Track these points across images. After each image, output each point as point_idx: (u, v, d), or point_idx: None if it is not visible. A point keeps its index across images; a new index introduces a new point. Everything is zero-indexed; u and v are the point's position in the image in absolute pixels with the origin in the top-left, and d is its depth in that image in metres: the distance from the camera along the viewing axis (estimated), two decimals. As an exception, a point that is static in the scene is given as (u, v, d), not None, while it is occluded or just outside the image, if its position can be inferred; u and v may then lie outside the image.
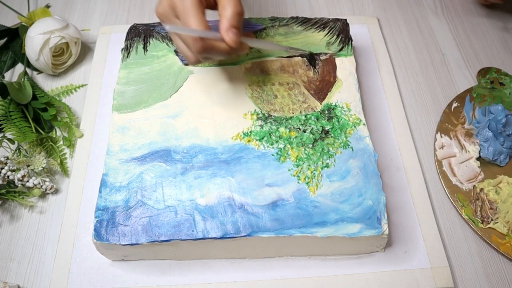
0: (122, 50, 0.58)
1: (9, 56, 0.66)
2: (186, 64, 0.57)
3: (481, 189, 0.53)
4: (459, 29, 0.71)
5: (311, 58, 0.57)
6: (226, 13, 0.43)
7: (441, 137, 0.58)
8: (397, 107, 0.60)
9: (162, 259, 0.49)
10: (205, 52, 0.43)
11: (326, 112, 0.53)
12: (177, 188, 0.47)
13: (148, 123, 0.52)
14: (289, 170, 0.48)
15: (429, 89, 0.64)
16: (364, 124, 0.52)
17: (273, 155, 0.49)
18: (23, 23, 0.65)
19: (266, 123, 0.52)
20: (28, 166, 0.53)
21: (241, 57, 0.57)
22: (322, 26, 0.60)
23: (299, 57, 0.57)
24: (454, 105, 0.61)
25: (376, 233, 0.44)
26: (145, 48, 0.58)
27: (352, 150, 0.50)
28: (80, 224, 0.51)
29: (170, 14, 0.45)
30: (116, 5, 0.73)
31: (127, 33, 0.60)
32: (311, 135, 0.51)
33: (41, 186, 0.52)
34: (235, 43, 0.43)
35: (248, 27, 0.59)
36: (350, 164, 0.49)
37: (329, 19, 0.61)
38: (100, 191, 0.47)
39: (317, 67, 0.56)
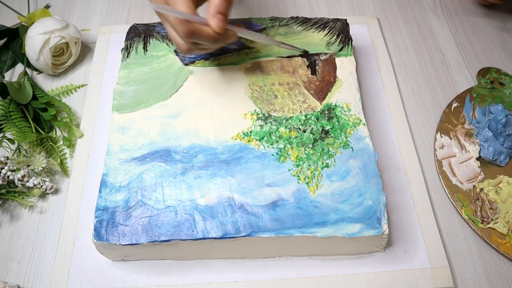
0: (122, 50, 0.58)
1: (9, 56, 0.66)
2: (186, 64, 0.57)
3: (481, 189, 0.53)
4: (459, 29, 0.71)
5: (308, 58, 0.57)
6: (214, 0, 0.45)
7: (441, 137, 0.58)
8: (397, 107, 0.60)
9: (162, 259, 0.49)
10: (192, 36, 0.44)
11: (326, 112, 0.53)
12: (177, 188, 0.47)
13: (148, 123, 0.52)
14: (289, 170, 0.48)
15: (429, 89, 0.64)
16: (364, 124, 0.52)
17: (273, 155, 0.49)
18: (23, 23, 0.65)
19: (266, 123, 0.52)
20: (28, 166, 0.53)
21: (241, 56, 0.57)
22: (322, 26, 0.60)
23: (299, 57, 0.57)
24: (454, 105, 0.61)
25: (376, 233, 0.44)
26: (145, 48, 0.58)
27: (352, 150, 0.50)
28: (80, 224, 0.51)
29: (162, 2, 0.46)
30: (116, 5, 0.73)
31: (127, 33, 0.60)
32: (311, 135, 0.51)
33: (41, 186, 0.52)
34: (220, 28, 0.44)
35: (248, 27, 0.59)
36: (350, 164, 0.49)
37: (329, 19, 0.61)
38: (100, 191, 0.47)
39: (317, 67, 0.56)
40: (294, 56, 0.57)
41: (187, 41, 0.46)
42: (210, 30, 0.45)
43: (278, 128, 0.51)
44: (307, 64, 0.56)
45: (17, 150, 0.55)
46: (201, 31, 0.45)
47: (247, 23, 0.60)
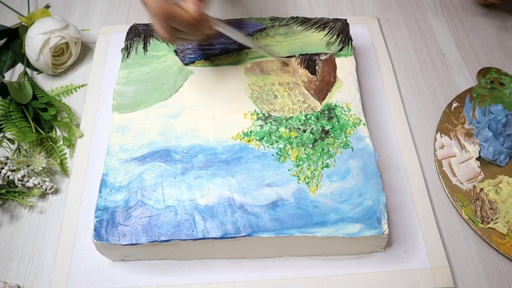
0: (122, 50, 0.58)
1: (9, 56, 0.66)
2: (186, 64, 0.57)
3: (481, 189, 0.53)
4: (459, 29, 0.71)
5: (308, 58, 0.57)
6: None
7: (441, 137, 0.58)
8: (397, 107, 0.60)
9: (162, 259, 0.49)
10: (168, 18, 0.44)
11: (326, 112, 0.53)
12: (177, 188, 0.47)
13: (148, 123, 0.52)
14: (289, 170, 0.48)
15: (429, 89, 0.64)
16: (364, 124, 0.52)
17: (273, 155, 0.49)
18: (23, 23, 0.65)
19: (266, 123, 0.52)
20: (28, 166, 0.53)
21: (241, 56, 0.57)
22: (322, 26, 0.60)
23: (299, 57, 0.57)
24: (454, 105, 0.61)
25: (376, 233, 0.45)
26: (145, 48, 0.58)
27: (352, 150, 0.50)
28: (80, 224, 0.51)
29: None
30: (116, 5, 0.73)
31: (127, 33, 0.60)
32: (311, 135, 0.51)
33: (41, 186, 0.52)
34: (195, 12, 0.44)
35: (248, 27, 0.59)
36: (350, 164, 0.49)
37: (329, 19, 0.61)
38: (100, 191, 0.47)
39: (317, 67, 0.56)
40: (294, 56, 0.57)
41: (166, 26, 0.46)
42: (186, 14, 0.45)
43: (278, 128, 0.51)
44: (307, 64, 0.56)
45: (17, 150, 0.55)
46: (177, 13, 0.44)
47: (246, 23, 0.60)
